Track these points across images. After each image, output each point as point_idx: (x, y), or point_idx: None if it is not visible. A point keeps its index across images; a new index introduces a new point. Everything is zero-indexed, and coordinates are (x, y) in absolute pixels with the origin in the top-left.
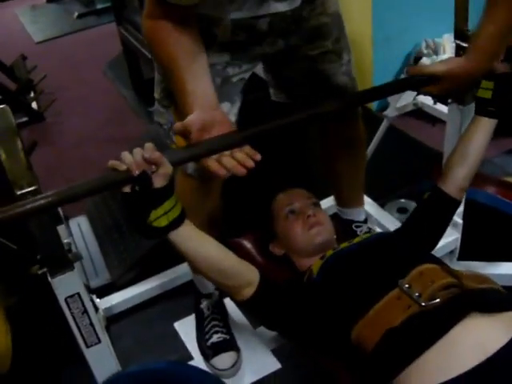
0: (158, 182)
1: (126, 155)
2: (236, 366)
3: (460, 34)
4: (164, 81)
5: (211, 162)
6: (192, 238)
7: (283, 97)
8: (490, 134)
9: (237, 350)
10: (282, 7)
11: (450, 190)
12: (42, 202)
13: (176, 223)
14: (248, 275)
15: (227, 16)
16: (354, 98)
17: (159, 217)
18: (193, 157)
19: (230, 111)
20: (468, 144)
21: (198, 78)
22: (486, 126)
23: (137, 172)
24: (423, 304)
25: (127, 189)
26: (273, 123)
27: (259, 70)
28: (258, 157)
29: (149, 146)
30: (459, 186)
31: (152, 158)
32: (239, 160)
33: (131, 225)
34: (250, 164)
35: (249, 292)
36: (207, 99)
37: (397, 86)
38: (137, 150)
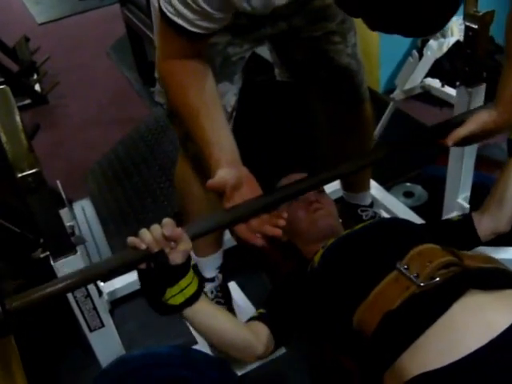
0: (176, 258)
1: (145, 233)
2: None
3: (470, 16)
4: None
5: (241, 230)
6: (206, 313)
7: (288, 76)
8: None
9: None
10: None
11: (481, 229)
12: (60, 285)
13: (192, 300)
14: (261, 345)
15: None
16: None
17: (175, 295)
18: (214, 228)
19: (230, 90)
20: (504, 187)
21: (221, 127)
22: None
23: (155, 250)
24: (421, 284)
25: (143, 265)
26: (294, 187)
27: (264, 51)
28: (285, 215)
29: (168, 222)
30: (492, 229)
31: (172, 235)
32: (268, 221)
33: (146, 300)
34: (282, 223)
35: (266, 351)
36: (233, 153)
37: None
38: (156, 227)
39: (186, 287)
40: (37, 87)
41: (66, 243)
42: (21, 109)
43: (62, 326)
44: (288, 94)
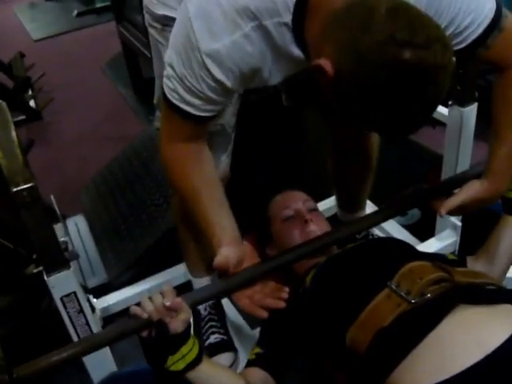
0: (177, 327)
1: (146, 302)
2: (233, 367)
3: None
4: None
5: (245, 304)
6: (207, 375)
7: (291, 101)
8: None
9: (234, 350)
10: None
11: None
12: (65, 354)
13: (193, 365)
14: None
15: None
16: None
17: (176, 361)
18: (213, 296)
19: (228, 110)
20: (497, 243)
21: (222, 208)
22: None
23: (156, 319)
24: (412, 301)
25: (145, 333)
26: (291, 254)
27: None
28: (287, 289)
29: (168, 291)
30: None
31: (172, 306)
32: (271, 295)
33: (149, 365)
34: (285, 296)
35: None
36: (233, 232)
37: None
38: (157, 296)
39: (187, 353)
40: (31, 103)
41: (59, 258)
42: (15, 124)
43: (55, 342)
44: (284, 114)
